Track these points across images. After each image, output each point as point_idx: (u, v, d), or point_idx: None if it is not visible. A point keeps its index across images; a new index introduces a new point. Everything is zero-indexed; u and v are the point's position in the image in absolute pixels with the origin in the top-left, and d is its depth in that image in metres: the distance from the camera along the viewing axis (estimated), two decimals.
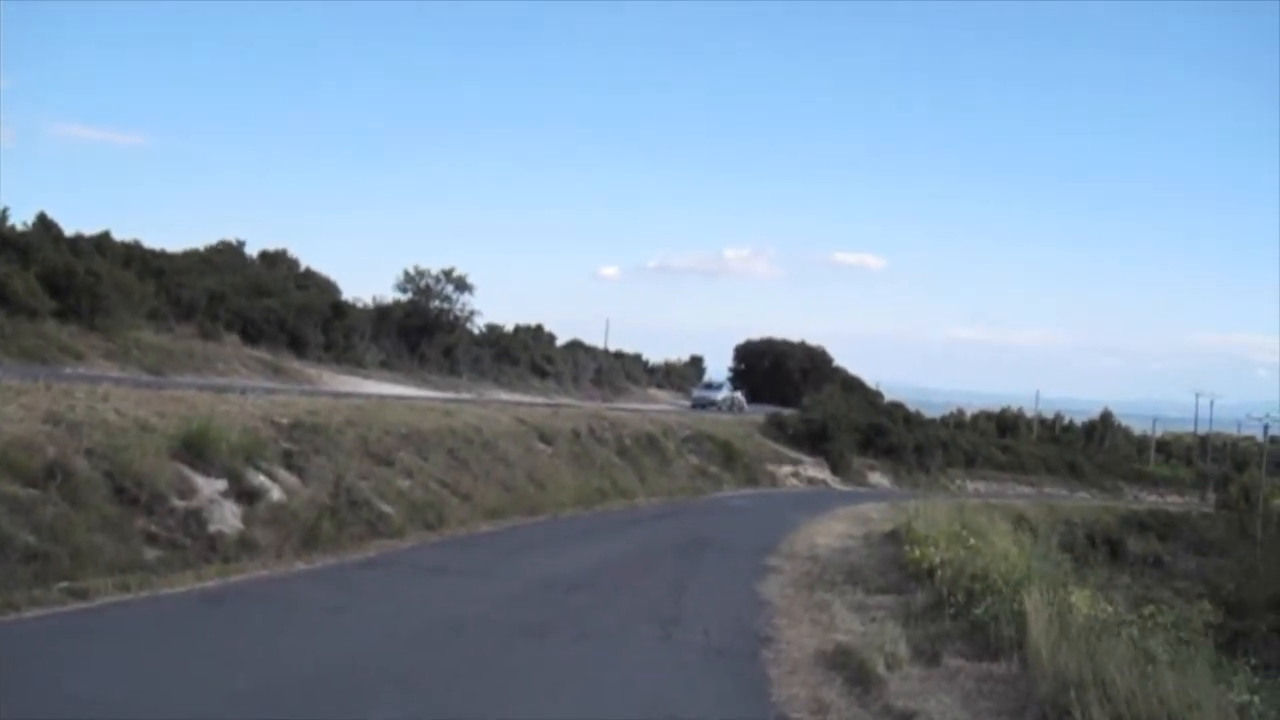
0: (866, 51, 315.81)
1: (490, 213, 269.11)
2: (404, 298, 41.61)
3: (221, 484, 11.48)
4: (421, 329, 40.65)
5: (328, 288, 42.65)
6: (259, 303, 33.67)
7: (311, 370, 31.58)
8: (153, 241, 40.23)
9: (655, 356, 65.92)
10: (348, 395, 22.71)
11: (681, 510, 22.60)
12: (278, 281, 38.71)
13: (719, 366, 68.64)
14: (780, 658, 8.81)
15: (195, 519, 10.65)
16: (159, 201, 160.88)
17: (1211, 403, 71.72)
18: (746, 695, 7.68)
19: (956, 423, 64.28)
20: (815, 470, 37.96)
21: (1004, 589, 9.53)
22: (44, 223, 30.87)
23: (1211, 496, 54.02)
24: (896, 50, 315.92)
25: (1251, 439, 65.14)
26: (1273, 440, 51.10)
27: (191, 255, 38.53)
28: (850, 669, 8.20)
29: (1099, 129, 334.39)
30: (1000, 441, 58.53)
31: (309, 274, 44.18)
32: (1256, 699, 6.74)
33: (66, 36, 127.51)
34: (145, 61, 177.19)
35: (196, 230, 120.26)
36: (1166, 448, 75.69)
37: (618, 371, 55.81)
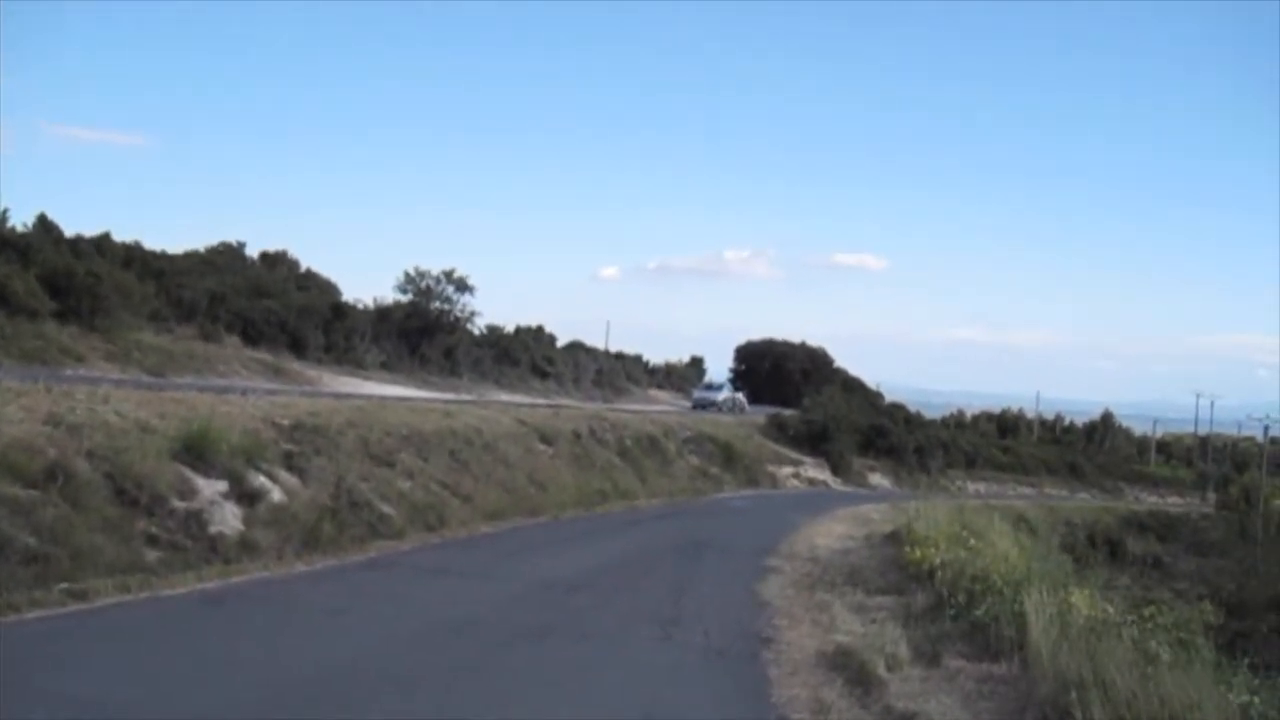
0: (867, 52, 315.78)
1: (490, 213, 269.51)
2: (404, 299, 41.62)
3: (222, 485, 11.49)
4: (422, 330, 40.65)
5: (328, 289, 42.71)
6: (259, 304, 33.68)
7: (312, 371, 31.59)
8: (153, 242, 40.28)
9: (656, 357, 66.23)
10: (348, 396, 22.72)
11: (682, 511, 22.59)
12: (278, 283, 38.73)
13: (719, 367, 68.74)
14: (781, 659, 8.81)
15: (196, 520, 10.66)
16: (159, 202, 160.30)
17: (1212, 403, 71.79)
18: (747, 696, 7.69)
19: (957, 423, 64.14)
20: (816, 471, 37.93)
21: (1004, 590, 9.56)
22: (44, 224, 30.96)
23: (1212, 497, 53.95)
24: (897, 51, 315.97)
25: (1252, 440, 65.07)
26: (1273, 441, 51.08)
27: (192, 256, 38.63)
28: (851, 670, 8.21)
29: (1099, 130, 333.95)
30: (1001, 442, 58.45)
31: (309, 275, 44.28)
32: (1257, 699, 6.75)
33: (66, 37, 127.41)
34: (145, 61, 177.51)
35: (197, 231, 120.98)
36: (1167, 448, 75.62)
37: (618, 372, 55.82)
